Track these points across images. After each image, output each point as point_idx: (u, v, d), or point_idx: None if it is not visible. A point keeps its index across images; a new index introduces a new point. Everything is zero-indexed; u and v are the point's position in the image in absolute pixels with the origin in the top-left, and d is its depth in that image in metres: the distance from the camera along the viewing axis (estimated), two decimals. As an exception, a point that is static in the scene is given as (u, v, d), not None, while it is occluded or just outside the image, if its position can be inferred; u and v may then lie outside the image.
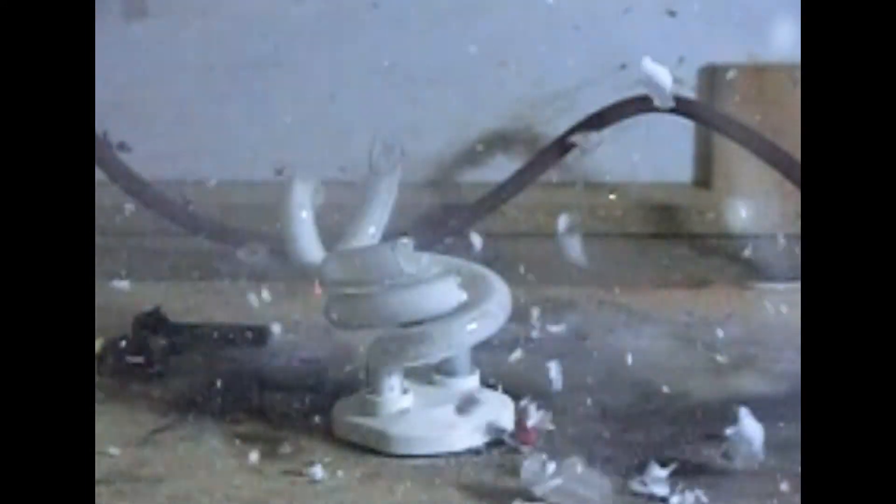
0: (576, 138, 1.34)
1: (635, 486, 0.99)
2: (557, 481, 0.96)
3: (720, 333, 1.29)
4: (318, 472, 1.01)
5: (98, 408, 0.99)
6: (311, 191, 1.12)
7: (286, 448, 1.06)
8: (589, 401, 1.14)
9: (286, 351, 1.26)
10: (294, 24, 1.69)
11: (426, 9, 1.68)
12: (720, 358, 1.22)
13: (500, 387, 1.12)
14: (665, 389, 1.16)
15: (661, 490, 0.98)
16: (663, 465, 1.00)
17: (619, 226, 1.62)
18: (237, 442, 1.07)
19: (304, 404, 1.13)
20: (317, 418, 1.10)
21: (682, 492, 0.98)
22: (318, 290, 1.13)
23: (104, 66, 1.28)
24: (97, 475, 0.99)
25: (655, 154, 1.68)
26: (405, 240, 1.06)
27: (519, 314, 1.20)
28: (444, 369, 1.10)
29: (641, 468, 1.00)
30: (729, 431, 1.00)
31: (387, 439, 1.05)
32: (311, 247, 1.11)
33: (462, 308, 1.05)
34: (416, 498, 0.98)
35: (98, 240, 0.92)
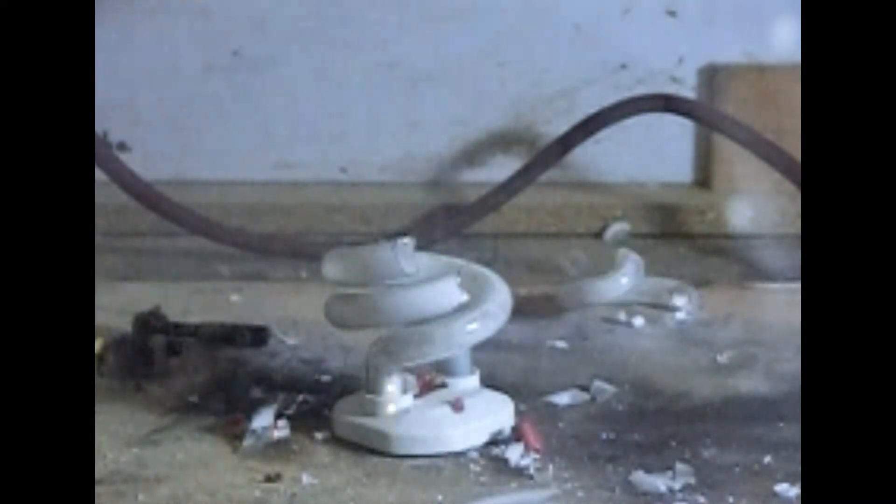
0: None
1: (635, 486, 0.99)
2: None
3: (720, 333, 1.29)
4: (318, 472, 1.01)
5: (98, 408, 0.99)
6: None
7: (286, 448, 1.05)
8: (589, 400, 1.14)
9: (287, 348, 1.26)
10: (293, 24, 1.69)
11: (426, 9, 1.68)
12: (720, 358, 1.22)
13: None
14: (665, 389, 1.16)
15: (661, 490, 0.98)
16: (664, 465, 1.00)
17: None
18: (237, 442, 1.07)
19: (304, 404, 1.13)
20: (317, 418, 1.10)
21: (682, 491, 0.98)
22: None
23: (104, 66, 1.29)
24: (97, 475, 0.99)
25: (655, 154, 1.68)
26: (405, 240, 1.06)
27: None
28: (444, 369, 1.09)
29: (642, 468, 1.00)
30: None
31: (387, 439, 1.05)
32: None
33: (462, 308, 1.05)
34: (416, 498, 0.98)
35: (98, 240, 0.92)
